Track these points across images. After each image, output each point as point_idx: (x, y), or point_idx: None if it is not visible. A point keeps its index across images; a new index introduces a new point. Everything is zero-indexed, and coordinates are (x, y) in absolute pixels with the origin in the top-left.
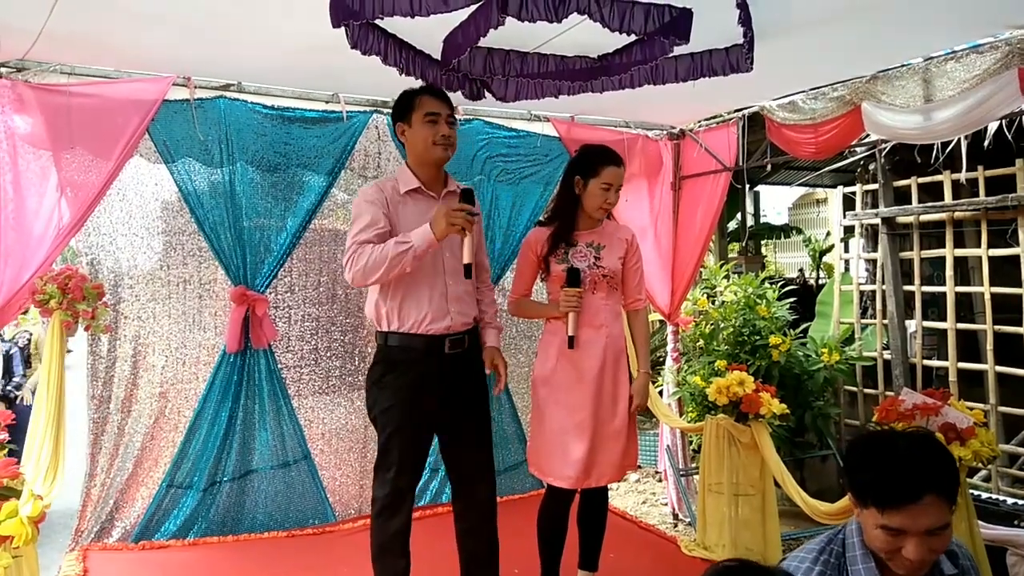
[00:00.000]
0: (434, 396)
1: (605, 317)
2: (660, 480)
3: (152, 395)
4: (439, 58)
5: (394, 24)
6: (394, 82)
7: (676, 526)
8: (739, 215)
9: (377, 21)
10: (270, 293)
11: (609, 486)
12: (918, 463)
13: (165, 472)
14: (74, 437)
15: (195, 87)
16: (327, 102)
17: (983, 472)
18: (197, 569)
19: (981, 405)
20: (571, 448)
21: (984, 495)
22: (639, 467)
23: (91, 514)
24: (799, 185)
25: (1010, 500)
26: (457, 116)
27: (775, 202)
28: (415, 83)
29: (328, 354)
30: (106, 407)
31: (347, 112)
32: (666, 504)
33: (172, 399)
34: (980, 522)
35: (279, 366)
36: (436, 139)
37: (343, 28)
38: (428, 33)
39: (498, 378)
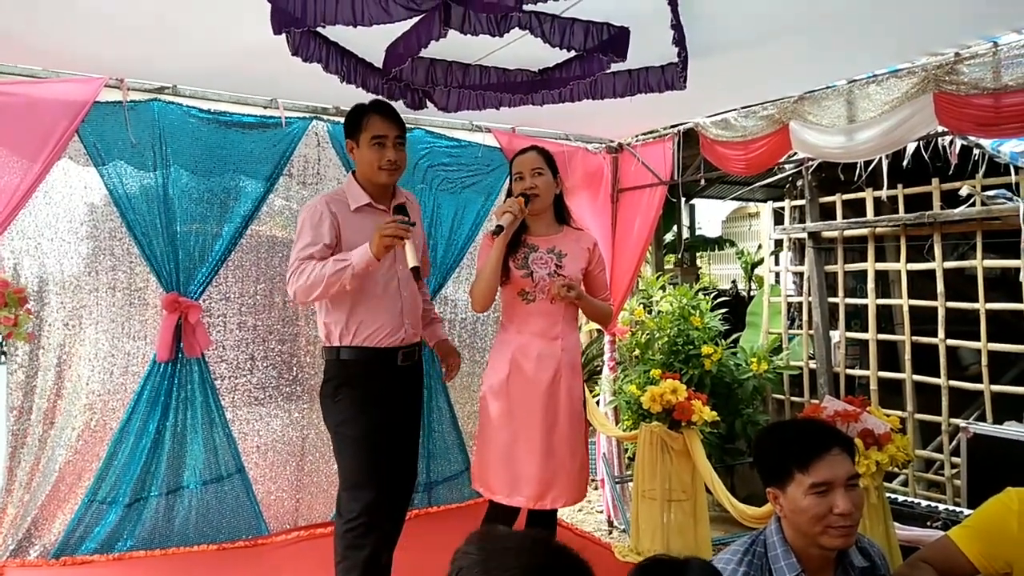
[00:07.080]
0: (386, 408)
1: (562, 328)
2: (596, 488)
3: (77, 406)
4: (381, 67)
5: (336, 32)
6: (334, 89)
7: (611, 533)
8: (675, 227)
9: (319, 29)
10: (204, 300)
11: None
12: (815, 426)
13: (88, 487)
14: None
15: (128, 89)
16: (265, 107)
17: (900, 477)
18: None
19: (899, 412)
20: (522, 465)
21: (900, 498)
22: None
23: (7, 530)
24: (732, 199)
25: (924, 503)
26: None
27: (710, 215)
28: (357, 90)
29: (265, 364)
30: (27, 419)
31: (286, 118)
32: (602, 511)
33: (99, 411)
34: (896, 523)
35: (213, 376)
36: (382, 164)
37: (284, 35)
38: (370, 42)
39: (449, 371)
